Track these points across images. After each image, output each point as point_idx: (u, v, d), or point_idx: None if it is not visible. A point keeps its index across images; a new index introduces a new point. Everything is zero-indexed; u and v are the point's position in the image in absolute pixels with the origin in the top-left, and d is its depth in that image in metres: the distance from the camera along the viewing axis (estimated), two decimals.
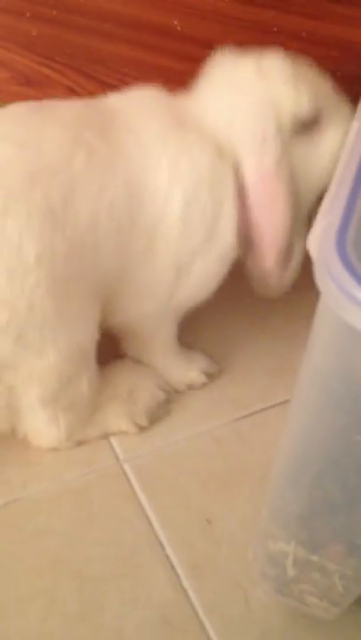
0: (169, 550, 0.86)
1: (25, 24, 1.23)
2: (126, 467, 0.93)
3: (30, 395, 0.85)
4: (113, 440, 0.96)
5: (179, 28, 1.13)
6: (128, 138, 0.85)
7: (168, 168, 0.85)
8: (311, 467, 0.64)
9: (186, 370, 1.02)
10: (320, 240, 0.52)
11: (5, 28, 1.25)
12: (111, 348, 1.00)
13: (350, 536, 0.66)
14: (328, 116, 0.90)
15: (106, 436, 0.96)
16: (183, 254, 0.88)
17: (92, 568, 0.84)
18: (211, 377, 1.03)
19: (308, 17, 1.04)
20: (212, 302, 1.02)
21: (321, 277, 0.50)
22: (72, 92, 1.31)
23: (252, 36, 1.09)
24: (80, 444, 0.94)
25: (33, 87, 1.33)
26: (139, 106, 0.90)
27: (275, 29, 1.07)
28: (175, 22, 1.13)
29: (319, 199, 0.73)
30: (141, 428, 0.96)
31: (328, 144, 0.91)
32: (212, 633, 0.79)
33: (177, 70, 1.18)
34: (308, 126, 0.89)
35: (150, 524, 0.88)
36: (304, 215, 0.93)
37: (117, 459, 0.94)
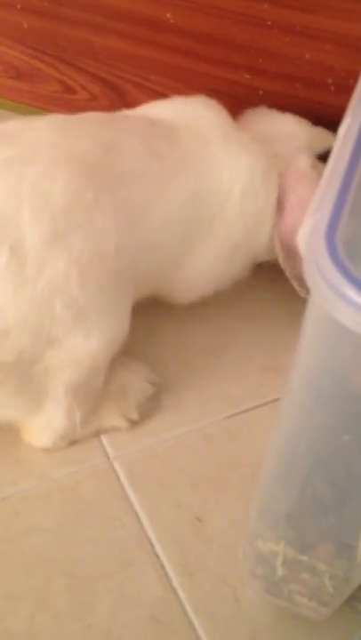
0: (159, 549, 0.85)
1: (16, 16, 1.23)
2: (116, 465, 0.92)
3: (62, 378, 0.86)
4: (103, 438, 0.95)
5: (171, 21, 1.13)
6: (193, 144, 0.95)
7: (230, 165, 0.95)
8: (300, 466, 0.63)
9: None
10: (309, 236, 0.51)
11: None
12: None
13: (340, 536, 0.66)
14: None
15: (97, 434, 0.95)
16: (237, 241, 0.98)
17: (82, 566, 0.83)
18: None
19: (301, 10, 1.03)
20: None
21: (310, 274, 0.48)
22: (63, 85, 1.30)
23: (246, 29, 1.08)
24: (72, 443, 0.93)
25: (24, 80, 1.32)
26: (197, 111, 1.00)
27: (268, 23, 1.06)
28: (168, 15, 1.12)
29: None
30: (133, 423, 0.95)
31: None
32: (201, 632, 0.79)
33: (169, 63, 1.17)
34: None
35: (140, 522, 0.87)
36: None
37: (107, 457, 0.93)
